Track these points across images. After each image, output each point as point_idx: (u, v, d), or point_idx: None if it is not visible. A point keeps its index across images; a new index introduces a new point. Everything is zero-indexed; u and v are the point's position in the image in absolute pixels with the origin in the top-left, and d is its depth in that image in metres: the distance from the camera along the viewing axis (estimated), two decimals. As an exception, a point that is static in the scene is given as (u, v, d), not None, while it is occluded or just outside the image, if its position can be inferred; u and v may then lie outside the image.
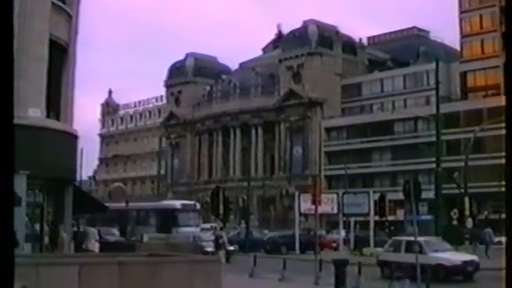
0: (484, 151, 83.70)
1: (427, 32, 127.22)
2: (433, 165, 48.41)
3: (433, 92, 54.92)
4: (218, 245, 41.30)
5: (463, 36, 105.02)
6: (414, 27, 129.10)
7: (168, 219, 56.45)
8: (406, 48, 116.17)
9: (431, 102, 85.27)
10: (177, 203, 63.30)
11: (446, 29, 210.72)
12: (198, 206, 64.14)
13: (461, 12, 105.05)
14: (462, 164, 55.79)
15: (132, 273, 17.06)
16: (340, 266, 26.76)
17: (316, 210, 30.07)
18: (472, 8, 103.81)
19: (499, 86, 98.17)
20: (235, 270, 31.00)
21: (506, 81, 3.05)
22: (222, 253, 38.79)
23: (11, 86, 2.89)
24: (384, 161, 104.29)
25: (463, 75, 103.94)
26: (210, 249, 39.97)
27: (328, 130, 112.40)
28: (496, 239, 53.16)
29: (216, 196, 42.00)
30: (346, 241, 54.05)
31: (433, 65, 56.91)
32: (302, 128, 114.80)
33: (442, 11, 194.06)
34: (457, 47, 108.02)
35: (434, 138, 49.63)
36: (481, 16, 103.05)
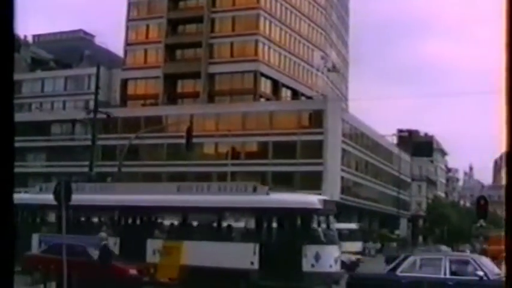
0: (139, 158, 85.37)
1: (93, 36, 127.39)
2: (88, 169, 48.18)
3: (93, 96, 54.71)
4: None
5: (128, 44, 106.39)
6: (80, 30, 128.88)
7: (298, 231, 28.39)
8: (71, 50, 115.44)
9: (90, 106, 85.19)
10: (314, 199, 29.76)
11: (114, 35, 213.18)
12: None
13: (128, 20, 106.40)
14: (116, 169, 56.34)
15: None
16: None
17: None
18: (140, 17, 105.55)
19: (157, 96, 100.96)
20: None
21: (507, 84, 3.00)
22: None
23: (12, 88, 2.94)
24: (38, 161, 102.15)
25: (124, 83, 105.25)
26: None
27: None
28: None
29: None
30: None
31: (95, 69, 56.68)
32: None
33: (111, 17, 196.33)
34: (122, 54, 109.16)
35: (90, 142, 49.46)
36: (147, 26, 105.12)
